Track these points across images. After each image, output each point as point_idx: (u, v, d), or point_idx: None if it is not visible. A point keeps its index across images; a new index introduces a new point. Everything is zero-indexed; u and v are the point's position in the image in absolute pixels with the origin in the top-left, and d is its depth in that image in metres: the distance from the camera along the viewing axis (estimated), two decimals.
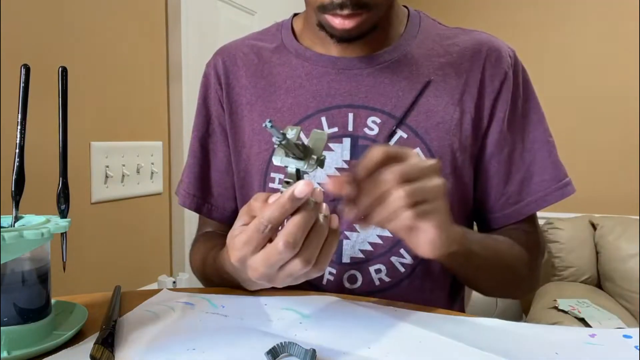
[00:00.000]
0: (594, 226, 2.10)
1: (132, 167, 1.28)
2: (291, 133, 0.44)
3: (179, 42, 1.39)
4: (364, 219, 0.47)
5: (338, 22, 0.61)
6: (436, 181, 0.46)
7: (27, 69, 0.49)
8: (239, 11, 1.66)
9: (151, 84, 1.35)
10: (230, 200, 0.77)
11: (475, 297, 0.86)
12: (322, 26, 0.65)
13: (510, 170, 0.70)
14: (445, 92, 0.68)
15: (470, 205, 0.72)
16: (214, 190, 0.77)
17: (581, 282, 2.05)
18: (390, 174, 0.45)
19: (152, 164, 1.34)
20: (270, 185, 0.69)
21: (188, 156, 0.79)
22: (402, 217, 0.45)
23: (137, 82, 1.30)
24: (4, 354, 0.42)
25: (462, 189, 0.69)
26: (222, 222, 0.79)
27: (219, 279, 0.63)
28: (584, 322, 1.58)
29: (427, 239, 0.47)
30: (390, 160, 0.46)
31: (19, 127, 0.48)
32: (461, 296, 0.78)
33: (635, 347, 0.44)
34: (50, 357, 0.43)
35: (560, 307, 1.69)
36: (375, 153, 0.46)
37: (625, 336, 0.46)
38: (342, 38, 0.65)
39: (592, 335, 0.47)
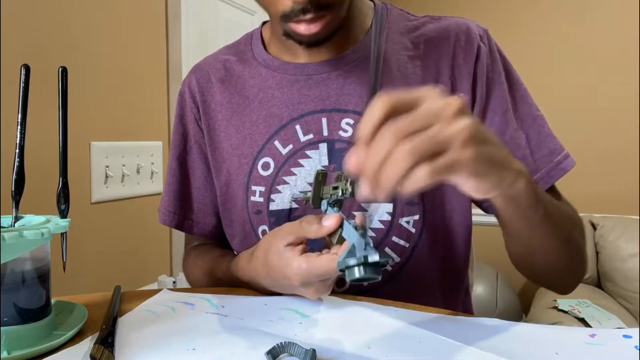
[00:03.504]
0: (594, 226, 2.10)
1: (132, 167, 1.28)
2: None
3: (179, 42, 1.39)
4: (375, 189, 0.37)
5: (304, 28, 0.59)
6: (456, 125, 0.37)
7: (27, 69, 0.49)
8: (238, 11, 1.66)
9: (151, 84, 1.35)
10: (210, 216, 0.78)
11: (475, 297, 0.85)
12: (289, 35, 0.63)
13: None
14: (417, 85, 0.64)
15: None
16: (194, 206, 0.78)
17: (581, 282, 2.06)
18: (388, 130, 0.36)
19: (152, 164, 1.34)
20: (252, 198, 0.69)
21: (167, 174, 0.80)
22: (415, 179, 0.36)
23: (137, 82, 1.30)
24: (4, 354, 0.42)
25: None
26: (203, 237, 0.80)
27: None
28: (584, 322, 1.58)
29: (468, 188, 0.40)
30: (397, 112, 0.37)
31: (19, 127, 0.48)
32: (459, 298, 0.75)
33: (635, 347, 0.44)
34: (50, 357, 0.43)
35: (560, 307, 1.70)
36: (376, 108, 0.37)
37: (625, 336, 0.46)
38: (311, 43, 0.63)
39: (592, 335, 0.47)
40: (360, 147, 0.38)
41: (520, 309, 2.15)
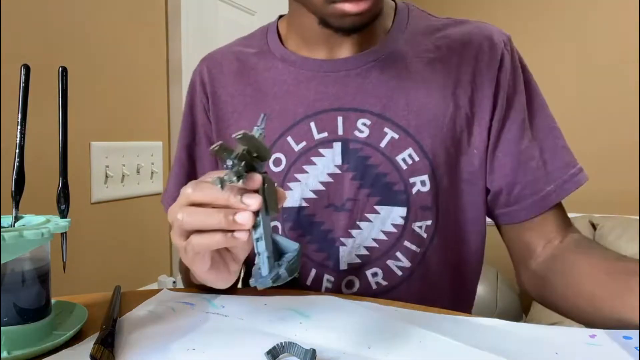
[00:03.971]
0: (594, 226, 2.10)
1: (132, 167, 1.28)
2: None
3: (179, 42, 1.39)
4: None
5: (351, 7, 0.56)
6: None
7: (27, 69, 0.49)
8: (238, 11, 1.66)
9: (151, 84, 1.35)
10: None
11: (475, 297, 0.85)
12: (326, 23, 0.61)
13: (519, 159, 0.65)
14: (436, 88, 0.65)
15: (482, 201, 0.68)
16: None
17: None
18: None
19: (152, 164, 1.34)
20: None
21: (173, 164, 0.78)
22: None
23: (137, 82, 1.30)
24: (4, 354, 0.42)
25: (465, 187, 0.67)
26: None
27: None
28: None
29: None
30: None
31: (19, 127, 0.48)
32: (467, 303, 0.75)
33: (636, 347, 0.44)
34: (50, 357, 0.43)
35: None
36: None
37: (625, 337, 0.46)
38: (354, 26, 0.60)
39: (592, 336, 0.47)
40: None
41: (520, 309, 2.15)
